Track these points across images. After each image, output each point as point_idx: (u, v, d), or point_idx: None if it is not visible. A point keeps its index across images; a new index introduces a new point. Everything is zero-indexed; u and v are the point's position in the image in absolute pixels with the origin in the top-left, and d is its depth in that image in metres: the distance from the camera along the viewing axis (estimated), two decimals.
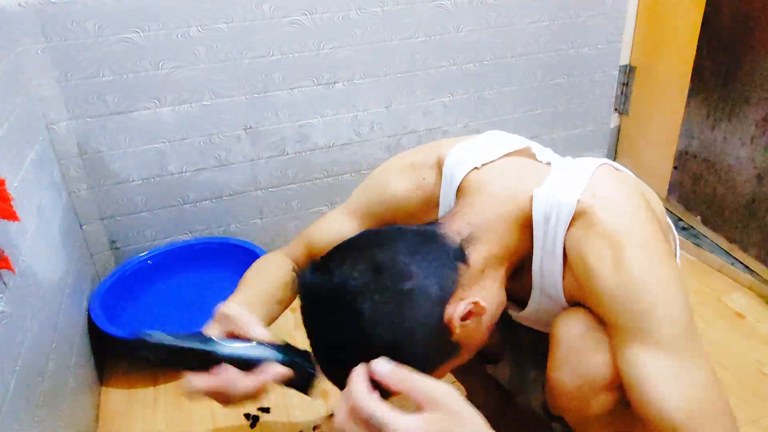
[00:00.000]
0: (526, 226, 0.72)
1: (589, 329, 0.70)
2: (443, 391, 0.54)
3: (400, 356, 0.57)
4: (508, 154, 0.80)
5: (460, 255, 0.68)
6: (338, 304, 0.62)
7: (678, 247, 0.83)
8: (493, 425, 1.13)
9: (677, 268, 0.68)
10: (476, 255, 0.69)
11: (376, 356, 0.56)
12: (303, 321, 0.66)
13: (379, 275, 0.62)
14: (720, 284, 1.49)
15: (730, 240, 1.55)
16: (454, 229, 0.71)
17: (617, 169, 0.76)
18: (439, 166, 0.83)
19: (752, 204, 1.46)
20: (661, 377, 0.63)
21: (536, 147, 0.82)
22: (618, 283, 0.65)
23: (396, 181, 0.86)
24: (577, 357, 0.70)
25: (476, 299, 0.65)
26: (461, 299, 0.65)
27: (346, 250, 0.67)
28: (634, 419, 0.67)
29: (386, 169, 0.90)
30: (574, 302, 0.73)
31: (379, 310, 0.60)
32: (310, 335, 0.66)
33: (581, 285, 0.69)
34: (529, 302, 0.78)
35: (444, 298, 0.64)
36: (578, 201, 0.68)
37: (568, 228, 0.69)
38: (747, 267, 1.49)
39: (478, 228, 0.71)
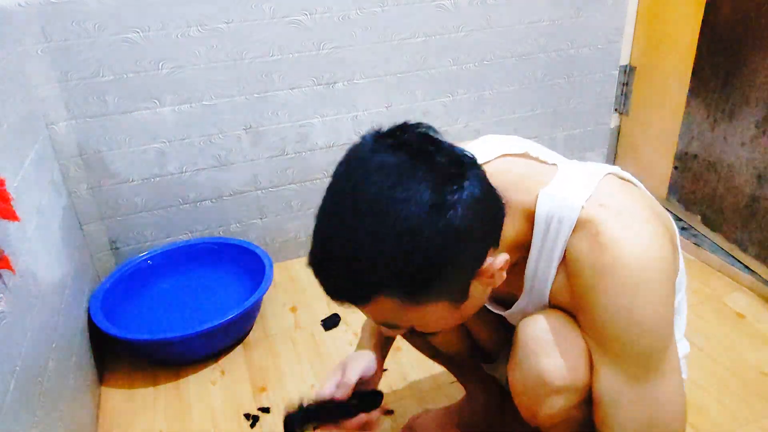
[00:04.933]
0: (528, 222, 0.71)
1: (547, 332, 0.70)
2: None
3: (416, 243, 0.55)
4: (505, 155, 0.78)
5: (502, 212, 0.67)
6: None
7: (680, 247, 0.82)
8: (493, 425, 1.14)
9: (672, 293, 0.66)
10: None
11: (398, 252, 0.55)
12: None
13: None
14: (720, 284, 1.49)
15: (730, 240, 1.55)
16: None
17: (624, 179, 0.74)
18: None
19: (752, 204, 1.46)
20: (624, 402, 0.66)
21: (537, 150, 0.79)
22: (611, 304, 0.64)
23: None
24: (532, 357, 0.71)
25: (507, 256, 0.65)
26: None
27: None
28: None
29: None
30: (557, 307, 0.73)
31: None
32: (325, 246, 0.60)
33: (574, 293, 0.69)
34: (517, 302, 0.78)
35: (494, 240, 0.64)
36: (583, 208, 0.67)
37: (574, 233, 0.68)
38: (747, 267, 1.49)
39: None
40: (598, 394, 0.68)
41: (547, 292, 0.73)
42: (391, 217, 0.54)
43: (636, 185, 0.75)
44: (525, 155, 0.76)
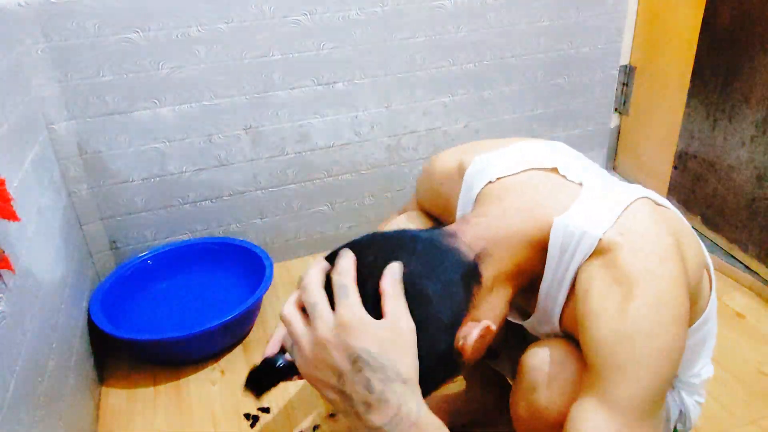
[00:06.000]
0: (541, 249, 0.69)
1: (550, 364, 0.68)
2: (405, 325, 0.55)
3: None
4: (532, 169, 0.75)
5: (474, 274, 0.64)
6: None
7: (714, 283, 0.77)
8: (494, 421, 1.14)
9: (682, 336, 0.63)
10: (488, 273, 0.66)
11: None
12: None
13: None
14: (720, 284, 1.49)
15: (730, 240, 1.55)
16: (466, 242, 0.66)
17: (657, 204, 0.70)
18: (461, 172, 0.81)
19: (752, 204, 1.46)
20: None
21: (567, 164, 0.75)
22: (610, 333, 0.61)
23: (438, 181, 0.87)
24: (531, 390, 0.69)
25: (488, 323, 0.62)
26: (472, 321, 0.63)
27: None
28: None
29: (433, 166, 0.91)
30: (567, 332, 0.72)
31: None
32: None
33: (579, 320, 0.66)
34: (531, 318, 0.77)
35: (456, 323, 0.61)
36: (601, 240, 0.64)
37: (587, 260, 0.65)
38: (747, 267, 1.49)
39: (492, 243, 0.67)
40: (571, 421, 0.62)
41: (557, 313, 0.71)
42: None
43: (669, 209, 0.72)
44: (554, 170, 0.74)
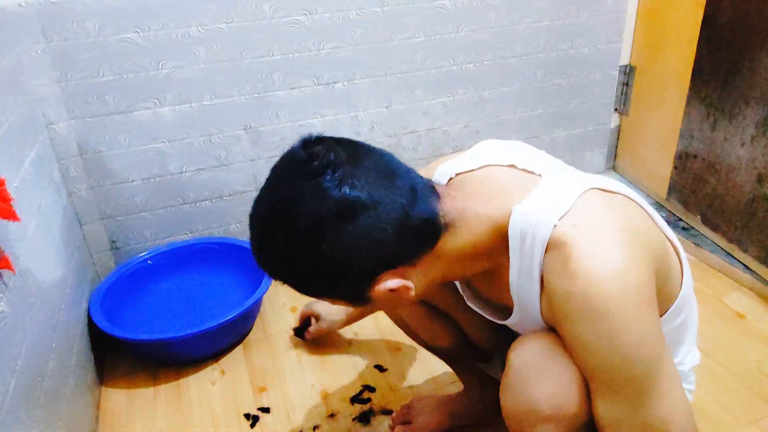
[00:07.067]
0: (503, 236, 0.70)
1: (540, 358, 0.69)
2: None
3: (315, 256, 0.64)
4: (489, 165, 0.77)
5: (435, 239, 0.68)
6: (317, 182, 0.62)
7: (685, 265, 0.76)
8: (488, 419, 1.15)
9: (654, 316, 0.65)
10: (443, 243, 0.68)
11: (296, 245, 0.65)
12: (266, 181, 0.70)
13: (379, 186, 0.63)
14: (720, 284, 1.49)
15: (730, 240, 1.55)
16: (444, 208, 0.69)
17: (607, 191, 0.70)
18: None
19: (752, 204, 1.46)
20: (625, 429, 0.66)
21: (527, 159, 0.76)
22: (587, 334, 0.63)
23: None
24: (522, 384, 0.70)
25: (410, 285, 0.67)
26: (400, 276, 0.67)
27: (357, 148, 0.67)
28: None
29: None
30: (549, 325, 0.72)
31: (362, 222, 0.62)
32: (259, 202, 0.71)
33: (555, 316, 0.68)
34: (512, 314, 0.77)
35: (391, 264, 0.66)
36: (555, 226, 0.65)
37: (547, 252, 0.66)
38: (747, 267, 1.49)
39: (460, 218, 0.69)
40: (599, 422, 0.68)
41: (537, 308, 0.72)
42: (279, 232, 0.68)
43: (626, 196, 0.72)
44: (511, 167, 0.75)
